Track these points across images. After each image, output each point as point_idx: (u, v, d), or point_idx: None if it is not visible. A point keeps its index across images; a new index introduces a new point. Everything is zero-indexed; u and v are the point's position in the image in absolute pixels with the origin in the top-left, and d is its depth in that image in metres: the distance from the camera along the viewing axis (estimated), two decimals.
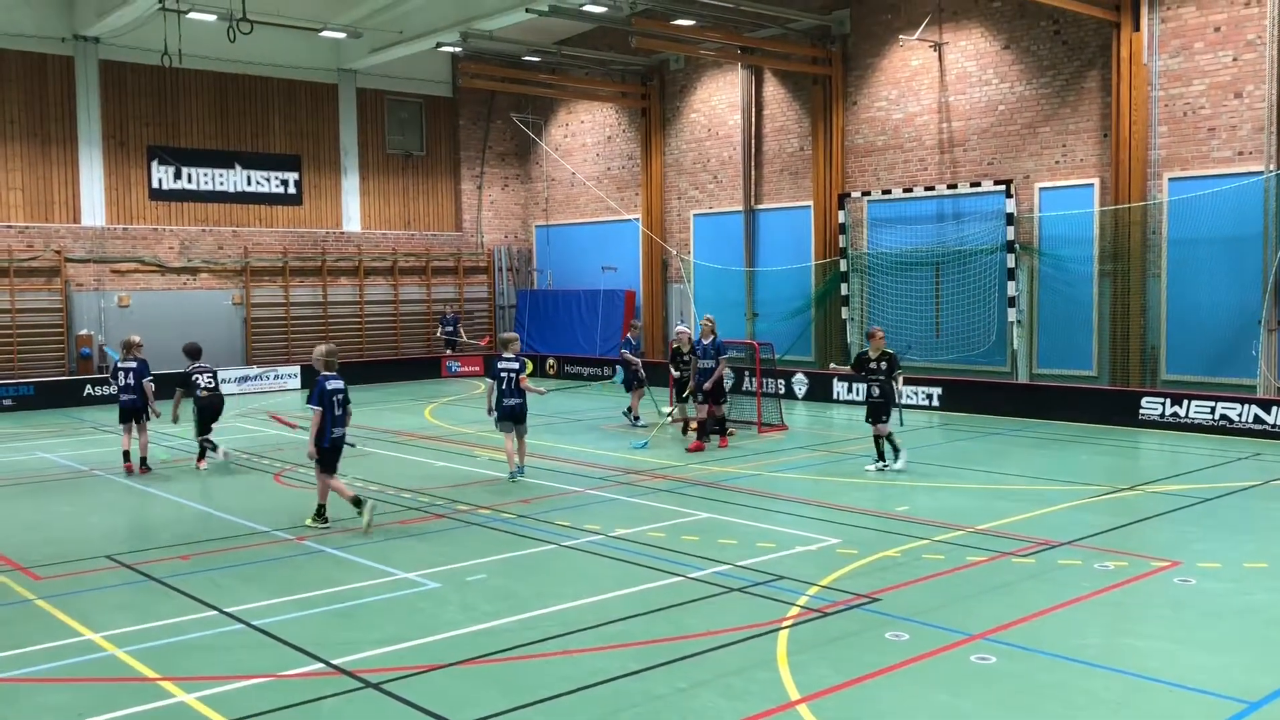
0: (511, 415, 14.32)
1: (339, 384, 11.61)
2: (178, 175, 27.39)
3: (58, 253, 25.45)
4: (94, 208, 26.15)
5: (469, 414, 21.56)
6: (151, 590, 9.37)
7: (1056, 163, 20.92)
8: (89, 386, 24.61)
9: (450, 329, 29.93)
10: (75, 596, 9.20)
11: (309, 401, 11.77)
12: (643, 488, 13.67)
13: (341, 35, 27.14)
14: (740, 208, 26.67)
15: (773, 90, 26.04)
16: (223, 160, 28.01)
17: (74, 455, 17.25)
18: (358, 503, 11.47)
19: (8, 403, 23.14)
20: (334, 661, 7.37)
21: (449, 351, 30.16)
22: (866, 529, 11.17)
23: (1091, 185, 20.40)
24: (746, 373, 21.02)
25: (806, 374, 23.22)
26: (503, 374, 14.32)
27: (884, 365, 14.63)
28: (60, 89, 25.69)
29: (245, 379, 26.87)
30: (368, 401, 24.45)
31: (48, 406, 23.64)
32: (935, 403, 21.03)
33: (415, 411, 22.54)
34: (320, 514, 11.67)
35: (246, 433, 19.60)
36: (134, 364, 15.32)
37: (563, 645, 7.70)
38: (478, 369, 30.15)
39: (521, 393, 14.34)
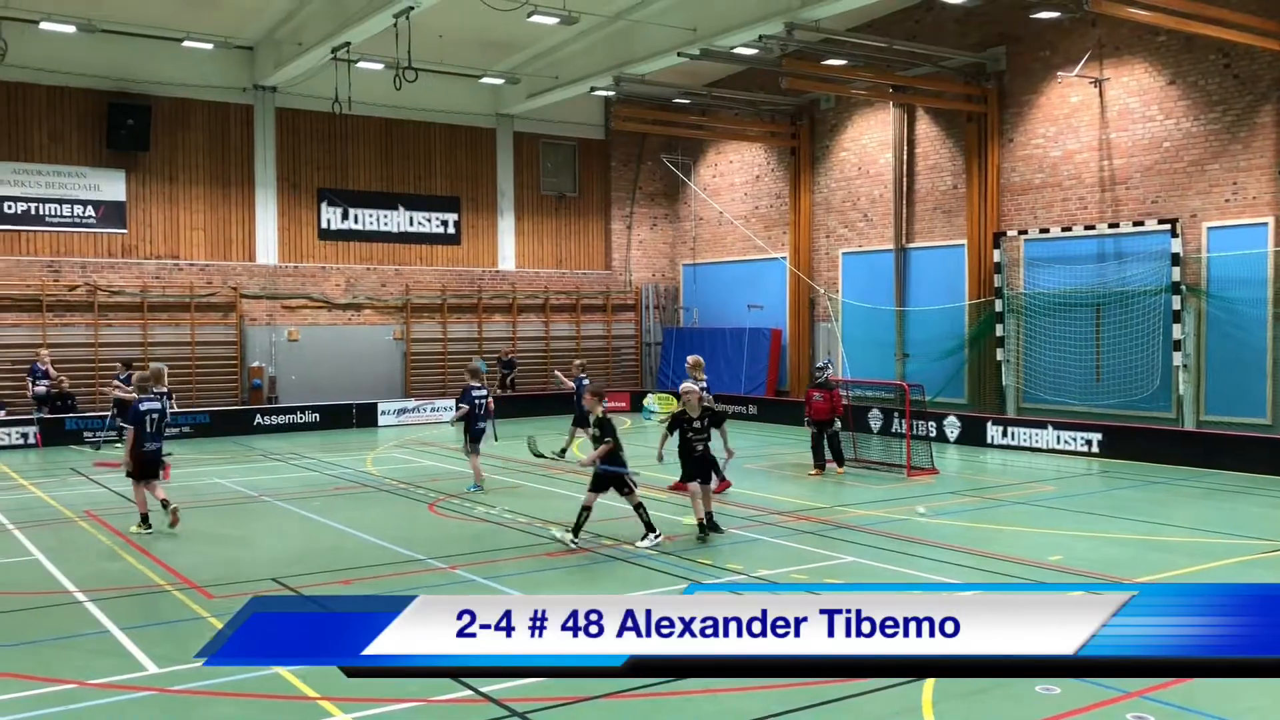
0: (482, 437, 16.87)
1: (155, 404, 13.35)
2: (345, 216, 28.78)
3: (234, 289, 27.02)
4: (268, 247, 27.69)
5: None
6: None
7: (1226, 201, 20.03)
8: (259, 416, 25.99)
9: (508, 372, 29.54)
10: None
11: (126, 420, 13.55)
12: (786, 528, 13.62)
13: (500, 81, 28.19)
14: (891, 246, 26.37)
15: (925, 128, 25.75)
16: (387, 202, 29.29)
17: (245, 481, 18.20)
18: (146, 520, 13.20)
19: (186, 430, 24.59)
20: (483, 690, 7.60)
21: (500, 391, 28.00)
22: (1017, 577, 10.87)
23: (1266, 224, 19.44)
24: (895, 414, 20.70)
25: (959, 416, 22.71)
26: (477, 400, 16.60)
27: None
28: (240, 135, 27.36)
29: (403, 411, 27.87)
30: (520, 435, 24.97)
31: (222, 434, 24.99)
32: (1095, 448, 20.26)
33: (561, 445, 22.87)
34: (145, 521, 13.22)
35: (403, 463, 20.33)
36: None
37: (706, 684, 7.75)
38: (624, 404, 30.47)
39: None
